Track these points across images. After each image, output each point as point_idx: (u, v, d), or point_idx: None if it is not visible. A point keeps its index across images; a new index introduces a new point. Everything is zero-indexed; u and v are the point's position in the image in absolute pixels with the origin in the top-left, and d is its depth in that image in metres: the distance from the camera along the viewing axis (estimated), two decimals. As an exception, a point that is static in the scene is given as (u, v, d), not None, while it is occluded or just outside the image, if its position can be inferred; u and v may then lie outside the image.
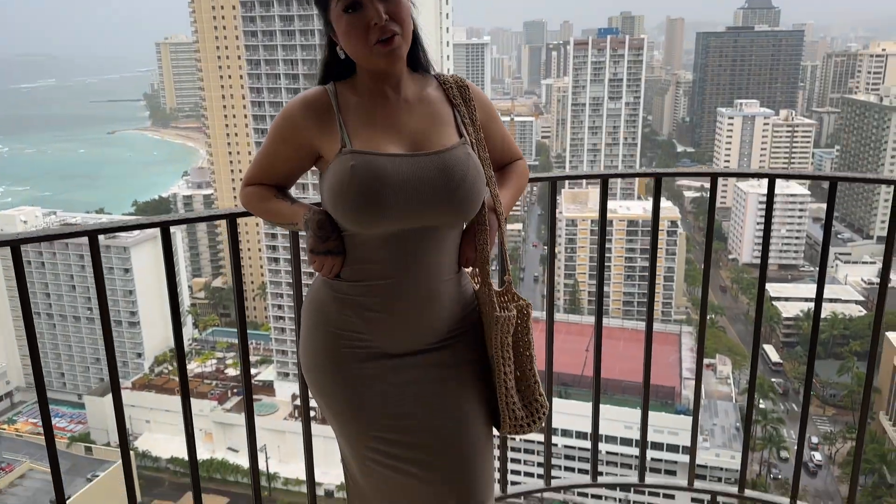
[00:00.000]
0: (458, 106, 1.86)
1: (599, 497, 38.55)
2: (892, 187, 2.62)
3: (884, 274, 2.57)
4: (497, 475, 2.58)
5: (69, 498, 29.01)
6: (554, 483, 2.98)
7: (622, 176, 2.98)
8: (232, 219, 2.45)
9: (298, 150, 1.82)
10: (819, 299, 2.80)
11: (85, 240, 2.29)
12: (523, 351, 1.91)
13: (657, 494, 35.94)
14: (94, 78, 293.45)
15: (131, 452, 42.52)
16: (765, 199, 2.86)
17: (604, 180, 2.90)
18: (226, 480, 42.50)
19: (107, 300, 2.38)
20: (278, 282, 53.04)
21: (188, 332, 61.21)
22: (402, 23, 1.72)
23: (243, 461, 42.63)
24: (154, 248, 57.06)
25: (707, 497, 3.07)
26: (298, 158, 1.84)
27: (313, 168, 1.90)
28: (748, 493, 2.96)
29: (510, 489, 2.90)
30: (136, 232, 57.11)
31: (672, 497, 35.86)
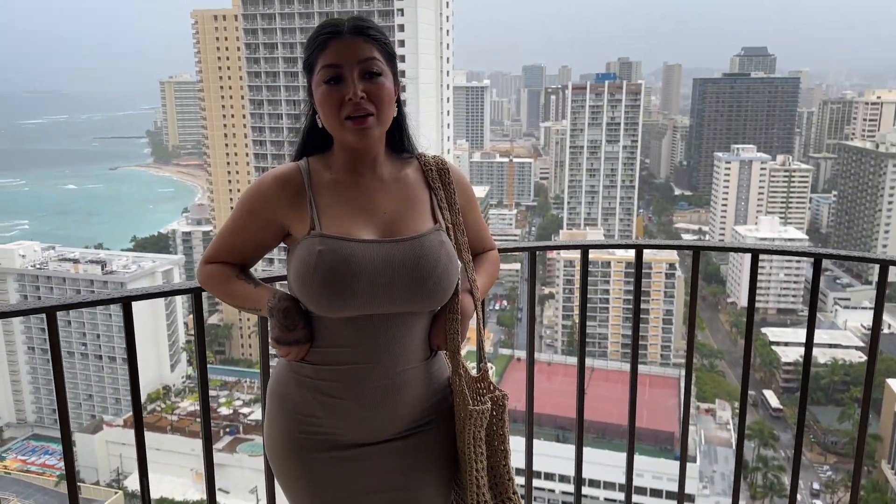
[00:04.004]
0: (435, 189, 1.80)
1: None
2: (879, 266, 2.50)
3: (874, 334, 2.53)
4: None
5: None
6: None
7: (602, 247, 2.82)
8: (198, 293, 2.25)
9: (266, 226, 1.75)
10: (807, 361, 2.72)
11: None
12: (497, 445, 1.80)
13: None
14: (99, 115, 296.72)
15: (121, 492, 41.76)
16: (762, 242, 2.80)
17: (584, 251, 2.73)
18: (216, 522, 41.74)
19: (136, 363, 2.29)
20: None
21: (182, 368, 60.70)
22: (379, 104, 1.67)
23: (234, 502, 41.82)
24: (150, 284, 56.91)
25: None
26: (265, 236, 1.76)
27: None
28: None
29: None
30: (134, 267, 57.14)
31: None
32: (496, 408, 1.80)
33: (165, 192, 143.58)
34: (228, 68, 75.37)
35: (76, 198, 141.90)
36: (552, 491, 37.10)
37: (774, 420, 53.52)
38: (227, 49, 75.24)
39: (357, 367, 1.68)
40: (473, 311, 1.81)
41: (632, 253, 2.71)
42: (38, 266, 58.20)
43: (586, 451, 3.00)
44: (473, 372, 1.84)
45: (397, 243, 1.69)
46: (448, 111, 68.37)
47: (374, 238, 1.69)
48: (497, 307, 76.66)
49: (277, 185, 1.73)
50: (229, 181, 76.16)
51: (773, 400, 55.78)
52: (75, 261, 58.46)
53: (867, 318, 65.57)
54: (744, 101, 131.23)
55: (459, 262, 1.81)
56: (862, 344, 59.59)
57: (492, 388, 1.81)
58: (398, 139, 1.82)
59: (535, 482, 2.36)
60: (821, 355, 54.92)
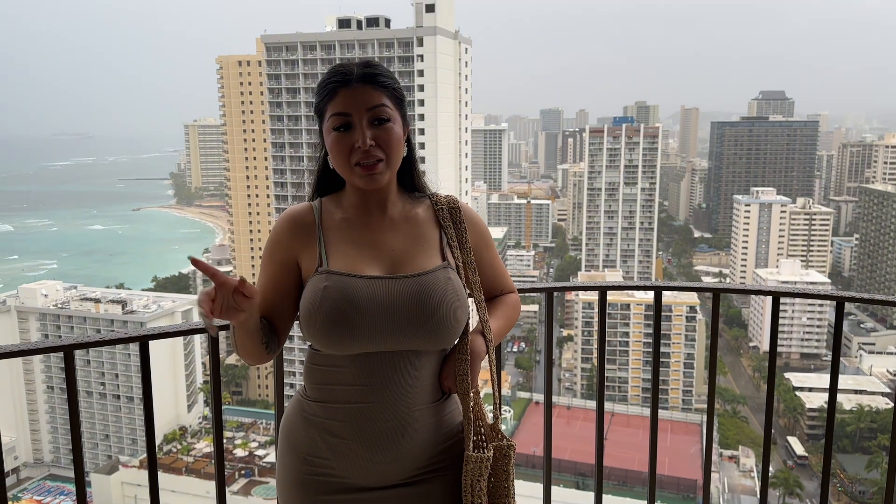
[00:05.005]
0: (446, 227, 1.82)
1: None
2: None
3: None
4: None
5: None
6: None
7: (620, 288, 2.80)
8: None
9: (283, 267, 1.78)
10: (831, 407, 2.66)
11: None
12: (500, 498, 1.74)
13: None
14: (125, 157, 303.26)
15: (134, 535, 41.35)
16: (784, 285, 2.78)
17: (602, 292, 2.70)
18: (229, 567, 41.10)
19: (152, 404, 2.31)
20: (291, 359, 52.75)
21: (199, 409, 60.56)
22: (388, 149, 1.70)
23: (248, 547, 41.28)
24: (169, 323, 57.20)
25: None
26: (283, 276, 1.78)
27: None
28: None
29: None
30: (154, 307, 57.53)
31: None
32: (501, 458, 1.74)
33: (187, 233, 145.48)
34: (251, 112, 76.91)
35: (101, 238, 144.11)
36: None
37: (800, 468, 52.11)
38: (250, 94, 76.89)
39: (363, 405, 1.67)
40: (484, 353, 1.77)
41: (651, 295, 2.68)
42: (59, 305, 58.79)
43: (607, 498, 2.93)
44: (489, 417, 1.79)
45: (401, 280, 1.70)
46: (466, 154, 68.96)
47: (379, 275, 1.71)
48: (515, 349, 76.02)
49: (289, 224, 1.79)
50: (250, 222, 77.04)
51: (798, 447, 54.38)
52: (96, 300, 58.97)
53: (892, 363, 64.11)
54: (762, 144, 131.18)
55: (471, 302, 1.79)
56: (888, 390, 58.20)
57: (500, 436, 1.77)
58: (409, 179, 1.85)
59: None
60: (846, 401, 53.63)
